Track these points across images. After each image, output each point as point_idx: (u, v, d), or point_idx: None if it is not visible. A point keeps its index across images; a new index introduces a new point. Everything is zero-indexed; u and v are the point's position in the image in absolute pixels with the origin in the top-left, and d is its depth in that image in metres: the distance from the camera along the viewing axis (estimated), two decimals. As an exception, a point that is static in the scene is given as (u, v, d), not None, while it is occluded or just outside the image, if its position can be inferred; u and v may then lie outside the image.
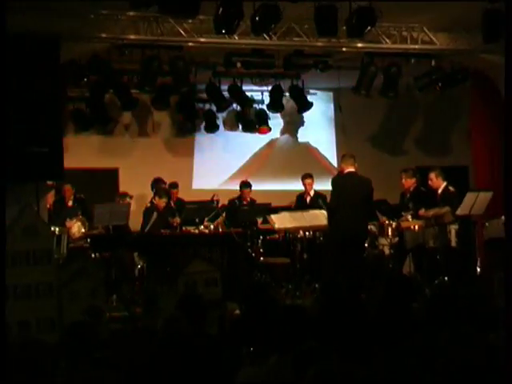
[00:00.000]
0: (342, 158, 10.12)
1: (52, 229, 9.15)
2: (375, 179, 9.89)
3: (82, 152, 12.52)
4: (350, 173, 9.61)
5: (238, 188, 12.26)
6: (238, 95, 12.42)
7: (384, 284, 5.49)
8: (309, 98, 12.84)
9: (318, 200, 11.42)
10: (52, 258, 7.45)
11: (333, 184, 9.69)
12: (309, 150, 14.06)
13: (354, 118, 13.56)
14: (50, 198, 10.58)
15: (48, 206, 10.33)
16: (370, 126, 13.93)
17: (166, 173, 12.27)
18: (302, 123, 13.97)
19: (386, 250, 10.53)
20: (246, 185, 12.14)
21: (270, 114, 13.15)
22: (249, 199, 12.02)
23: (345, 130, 13.72)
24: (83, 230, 10.36)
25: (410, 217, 10.39)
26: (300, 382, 3.33)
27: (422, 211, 10.31)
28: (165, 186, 11.64)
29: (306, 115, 13.44)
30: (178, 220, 10.83)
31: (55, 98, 8.95)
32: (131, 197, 11.30)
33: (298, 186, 12.26)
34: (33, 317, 6.68)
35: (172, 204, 11.53)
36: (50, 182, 9.88)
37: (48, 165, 8.74)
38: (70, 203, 11.20)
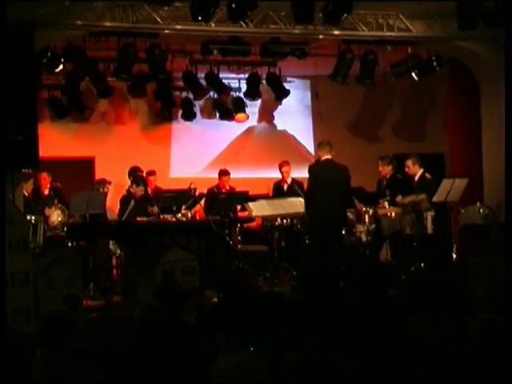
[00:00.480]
0: (318, 145, 10.14)
1: (28, 217, 9.09)
2: (352, 166, 9.92)
3: (57, 140, 12.43)
4: (326, 160, 9.62)
5: (215, 176, 12.24)
6: (215, 83, 12.37)
7: (361, 271, 5.50)
8: (286, 85, 12.83)
9: (295, 187, 11.44)
10: (28, 247, 7.39)
11: (309, 172, 9.70)
12: (286, 138, 14.05)
13: (331, 106, 13.56)
14: (29, 186, 10.49)
15: (27, 194, 10.25)
16: (347, 113, 13.94)
17: (143, 161, 12.21)
18: (279, 113, 13.97)
19: (363, 237, 10.57)
20: (224, 173, 12.12)
21: (247, 102, 13.12)
22: (228, 187, 12.01)
23: (322, 118, 13.72)
24: (59, 219, 10.28)
25: (386, 204, 10.44)
26: (277, 370, 3.33)
27: (398, 198, 10.36)
28: (142, 175, 11.59)
29: (283, 103, 13.42)
30: (155, 209, 10.78)
31: (30, 85, 8.86)
32: (110, 183, 11.25)
33: (275, 173, 12.25)
34: (9, 306, 6.61)
35: (149, 192, 11.49)
36: (26, 171, 9.79)
37: (23, 153, 8.65)
38: (47, 192, 11.12)
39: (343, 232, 10.22)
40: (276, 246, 10.61)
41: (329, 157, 9.60)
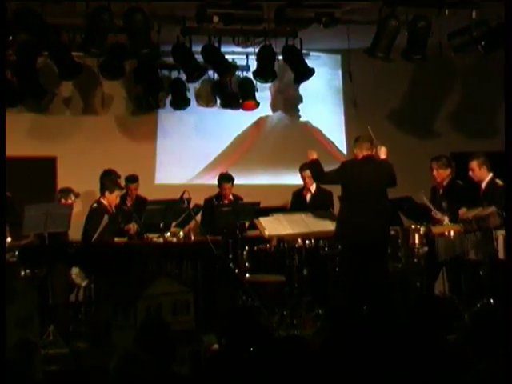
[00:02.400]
0: (354, 141, 10.15)
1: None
2: (397, 170, 9.93)
3: (7, 135, 12.48)
4: (366, 157, 9.65)
5: (215, 182, 12.29)
6: (216, 59, 12.41)
7: (410, 308, 5.51)
8: (309, 62, 12.86)
9: (321, 198, 11.46)
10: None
11: (340, 170, 9.70)
12: (309, 132, 14.09)
13: (369, 89, 13.59)
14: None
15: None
16: (390, 99, 13.98)
17: (121, 163, 12.25)
18: (300, 98, 13.99)
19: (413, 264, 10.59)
20: (226, 178, 12.16)
21: (258, 85, 13.15)
22: (231, 197, 12.04)
23: (356, 105, 13.74)
24: (8, 239, 10.32)
25: (445, 219, 10.45)
26: None
27: (460, 212, 10.37)
28: (118, 180, 11.62)
29: (306, 85, 13.45)
30: (134, 226, 10.79)
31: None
32: (77, 195, 11.24)
33: (295, 179, 12.28)
34: None
35: (129, 203, 11.52)
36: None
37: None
38: (-8, 204, 11.17)
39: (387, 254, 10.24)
40: (296, 276, 10.62)
41: (369, 153, 9.67)
